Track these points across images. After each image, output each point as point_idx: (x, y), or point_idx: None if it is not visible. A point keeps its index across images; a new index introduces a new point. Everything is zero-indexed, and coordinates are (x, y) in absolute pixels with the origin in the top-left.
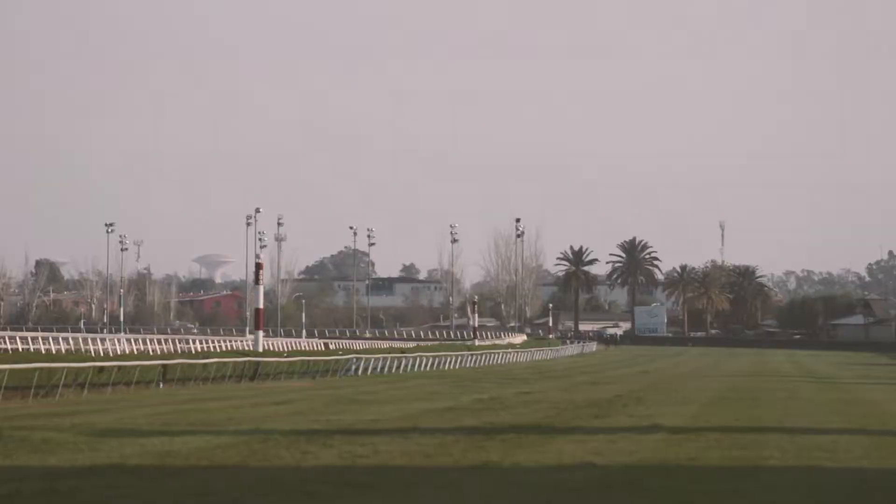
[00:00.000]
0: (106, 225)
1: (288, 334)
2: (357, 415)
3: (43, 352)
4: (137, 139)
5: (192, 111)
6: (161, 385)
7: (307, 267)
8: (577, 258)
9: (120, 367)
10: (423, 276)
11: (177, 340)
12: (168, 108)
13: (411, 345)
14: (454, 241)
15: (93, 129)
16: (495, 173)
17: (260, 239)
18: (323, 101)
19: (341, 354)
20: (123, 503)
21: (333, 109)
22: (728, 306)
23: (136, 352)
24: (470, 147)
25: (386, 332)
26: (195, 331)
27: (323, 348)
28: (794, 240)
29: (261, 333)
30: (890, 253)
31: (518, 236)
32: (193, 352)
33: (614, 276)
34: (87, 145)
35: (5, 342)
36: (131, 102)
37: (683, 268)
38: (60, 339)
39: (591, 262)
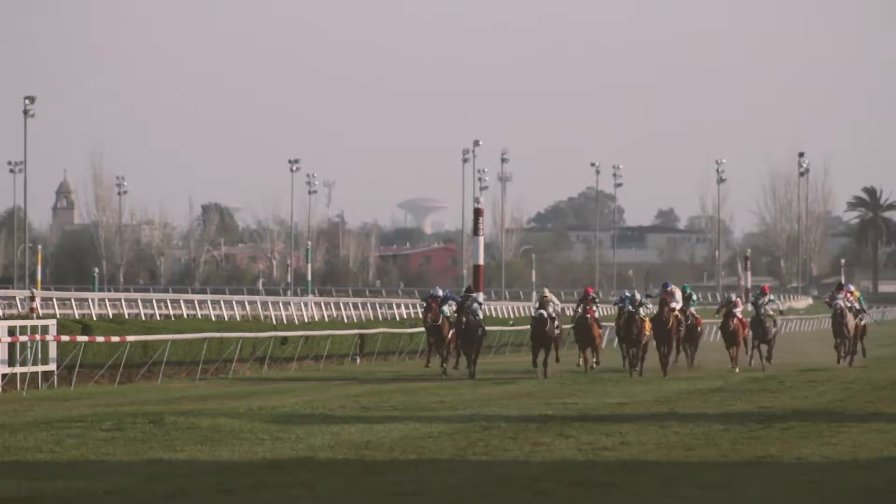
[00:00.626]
0: (290, 162)
1: (514, 296)
2: (599, 397)
3: (213, 319)
4: (329, 59)
5: (400, 26)
6: (358, 360)
7: (538, 213)
8: (875, 201)
9: (307, 338)
10: (682, 224)
11: (377, 305)
12: (368, 26)
13: None
14: (721, 180)
15: (272, 47)
16: (768, 97)
17: (480, 179)
18: (561, 18)
19: None
20: None
21: (572, 27)
22: None
23: (326, 319)
24: (740, 66)
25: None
26: (400, 292)
27: None
28: None
29: (481, 295)
30: None
31: (801, 175)
32: (398, 318)
33: None
34: (263, 66)
35: (166, 307)
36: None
37: None
38: (234, 304)
39: (894, 206)
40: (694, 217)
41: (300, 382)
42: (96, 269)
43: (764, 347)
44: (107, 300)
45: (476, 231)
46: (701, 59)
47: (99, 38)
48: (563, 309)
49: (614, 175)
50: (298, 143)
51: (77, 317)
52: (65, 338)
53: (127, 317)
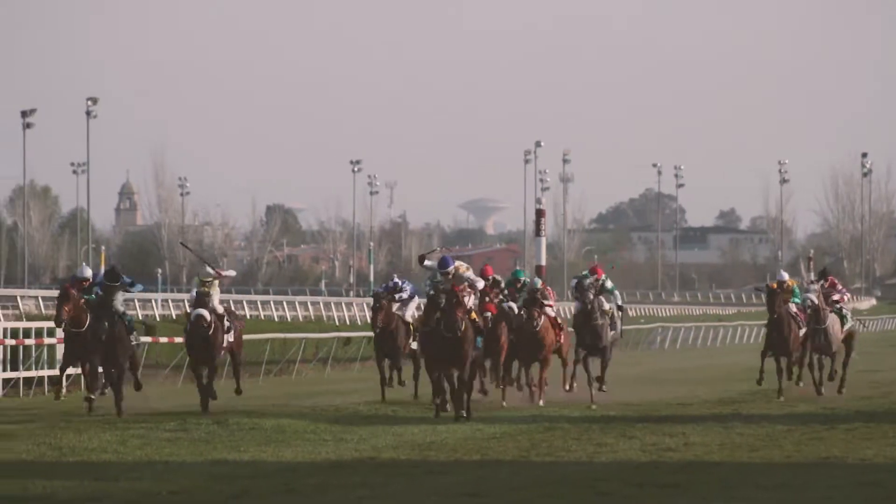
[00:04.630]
0: (351, 163)
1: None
2: (663, 397)
3: (276, 319)
4: (391, 60)
5: (462, 27)
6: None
7: (599, 214)
8: None
9: (370, 339)
10: (744, 224)
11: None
12: (430, 27)
13: (730, 311)
14: (784, 181)
15: (335, 49)
16: (831, 96)
17: (541, 180)
18: (624, 18)
19: (643, 323)
20: None
21: (635, 28)
22: None
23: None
24: (802, 66)
25: (699, 295)
26: None
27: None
28: None
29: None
30: None
31: (864, 175)
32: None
33: None
34: (325, 68)
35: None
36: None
37: None
38: (297, 304)
39: None
40: (756, 217)
41: (363, 383)
42: (159, 270)
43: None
44: (170, 301)
45: (538, 232)
46: (763, 59)
47: (160, 39)
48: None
49: (676, 175)
50: (360, 145)
51: (140, 317)
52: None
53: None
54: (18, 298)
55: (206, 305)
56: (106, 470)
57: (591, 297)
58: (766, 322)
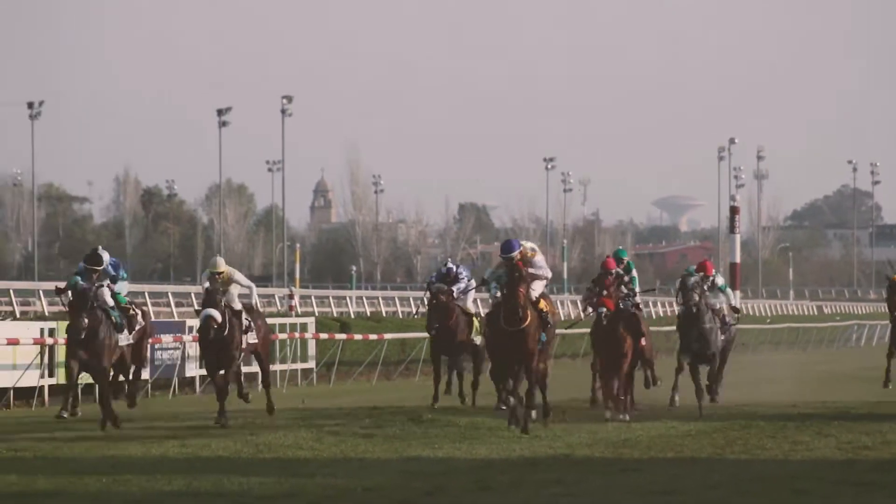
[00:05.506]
0: (545, 160)
1: (771, 294)
2: (860, 396)
3: None
4: (583, 58)
5: (656, 23)
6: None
7: (794, 211)
8: None
9: (563, 336)
10: None
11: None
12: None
13: None
14: None
15: (524, 48)
16: None
17: (735, 177)
18: (817, 15)
19: (839, 320)
20: (565, 502)
21: (828, 25)
22: None
23: (582, 317)
24: None
25: None
26: (657, 291)
27: (815, 312)
28: None
29: (738, 294)
30: None
31: None
32: (654, 317)
33: None
34: (516, 66)
35: (423, 304)
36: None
37: None
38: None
39: None
40: None
41: (552, 380)
42: (353, 268)
43: None
44: (364, 298)
45: (732, 229)
46: None
47: (356, 37)
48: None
49: (872, 172)
50: (554, 142)
51: (335, 315)
52: (323, 336)
53: (384, 315)
54: None
55: (216, 304)
56: (301, 466)
57: (696, 297)
58: (891, 320)
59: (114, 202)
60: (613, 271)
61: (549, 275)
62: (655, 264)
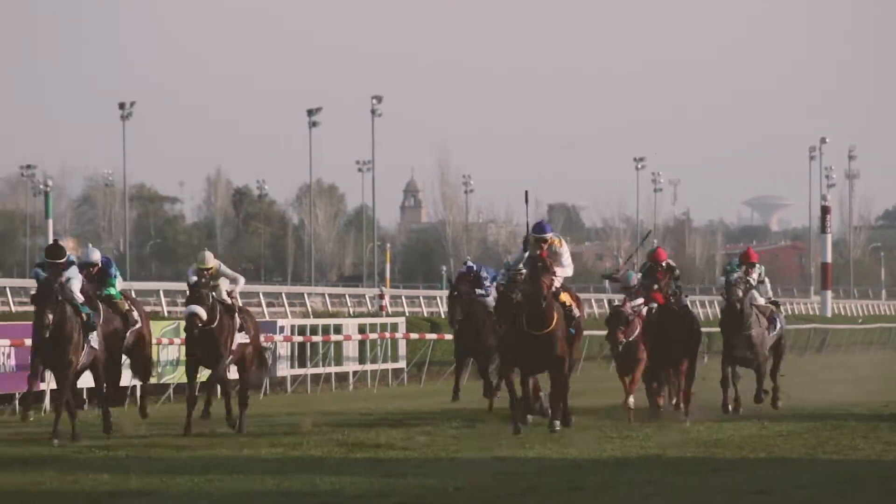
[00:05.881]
0: (635, 160)
1: (863, 294)
2: None
3: None
4: (674, 56)
5: (746, 21)
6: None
7: (886, 211)
8: None
9: None
10: None
11: (715, 302)
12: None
13: None
14: None
15: (617, 48)
16: None
17: (827, 176)
18: None
19: None
20: (656, 502)
21: None
22: None
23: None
24: None
25: None
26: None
27: None
28: None
29: (829, 294)
30: None
31: None
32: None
33: None
34: (606, 65)
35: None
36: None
37: None
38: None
39: None
40: None
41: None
42: (444, 268)
43: None
44: None
45: (823, 229)
46: None
47: (444, 37)
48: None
49: None
50: (644, 141)
51: (425, 315)
52: (414, 336)
53: None
54: (305, 296)
55: (202, 300)
56: (393, 466)
57: (741, 294)
58: None
59: (205, 202)
60: (664, 263)
61: (571, 272)
62: None
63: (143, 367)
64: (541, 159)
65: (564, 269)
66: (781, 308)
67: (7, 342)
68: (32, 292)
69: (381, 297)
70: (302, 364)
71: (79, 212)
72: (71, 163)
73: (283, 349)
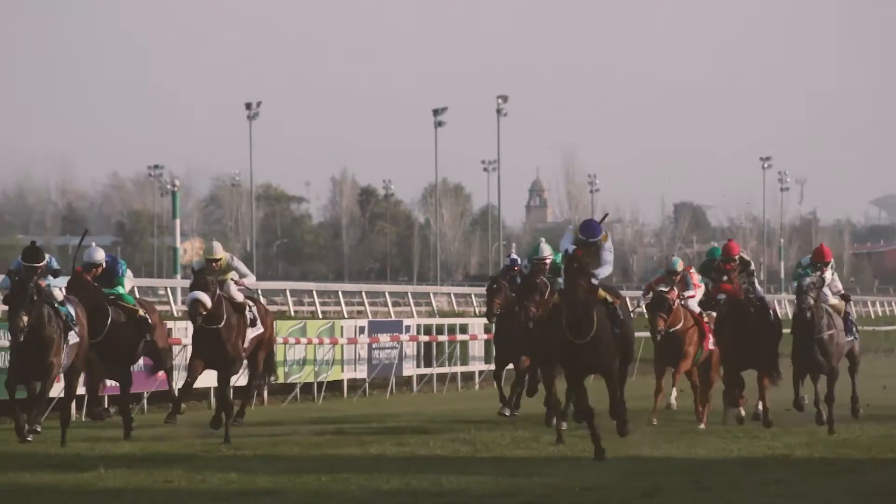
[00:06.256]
0: (761, 160)
1: None
2: None
3: None
4: (793, 54)
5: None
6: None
7: None
8: None
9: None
10: None
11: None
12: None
13: None
14: None
15: (746, 49)
16: None
17: None
18: None
19: None
20: (783, 503)
21: None
22: None
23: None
24: None
25: None
26: (875, 290)
27: None
28: None
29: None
30: None
31: None
32: (872, 316)
33: None
34: (737, 66)
35: (641, 305)
36: None
37: None
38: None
39: None
40: None
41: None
42: None
43: None
44: None
45: None
46: None
47: (570, 36)
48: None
49: None
50: (770, 141)
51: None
52: None
53: None
54: (431, 295)
55: (205, 287)
56: (519, 465)
57: (811, 300)
58: None
59: (330, 202)
60: (737, 256)
61: (610, 271)
62: (874, 264)
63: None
64: (667, 159)
65: (603, 269)
66: (852, 303)
67: None
68: (6, 293)
69: None
70: (428, 363)
71: (206, 212)
72: (197, 163)
73: (410, 349)
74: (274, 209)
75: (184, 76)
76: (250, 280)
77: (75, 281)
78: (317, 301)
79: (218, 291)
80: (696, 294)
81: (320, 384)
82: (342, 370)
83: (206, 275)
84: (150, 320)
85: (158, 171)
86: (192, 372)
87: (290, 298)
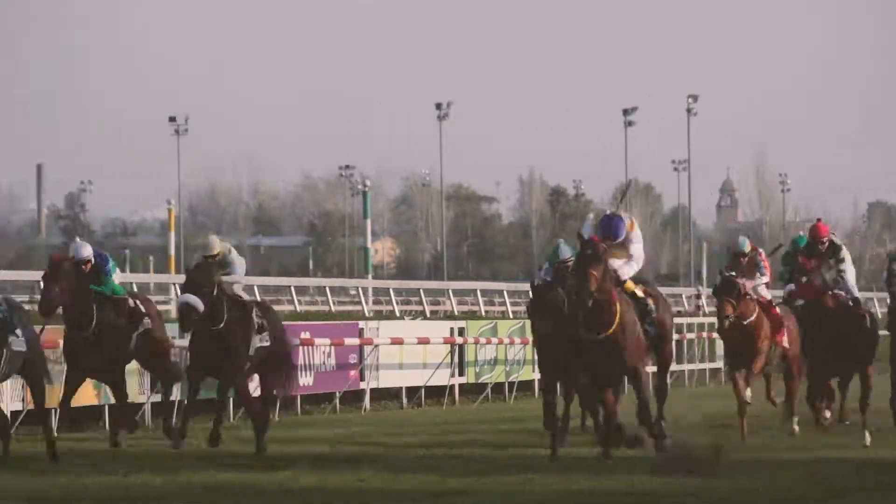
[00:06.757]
0: None
1: None
2: None
3: None
4: None
5: None
6: None
7: None
8: None
9: None
10: None
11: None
12: None
13: None
14: None
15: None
16: None
17: None
18: None
19: None
20: None
21: None
22: None
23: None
24: None
25: None
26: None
27: None
28: None
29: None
30: None
31: None
32: None
33: None
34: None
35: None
36: None
37: None
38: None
39: None
40: None
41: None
42: None
43: None
44: None
45: None
46: None
47: (760, 37)
48: None
49: None
50: None
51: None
52: None
53: None
54: None
55: (197, 289)
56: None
57: None
58: None
59: (519, 202)
60: (825, 239)
61: (639, 266)
62: None
63: (162, 372)
64: (860, 158)
65: (630, 264)
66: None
67: (327, 341)
68: None
69: (698, 296)
70: None
71: (397, 212)
72: (388, 163)
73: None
74: (464, 209)
75: (376, 78)
76: (239, 267)
77: (56, 268)
78: (507, 301)
79: (217, 290)
80: (767, 279)
81: (511, 384)
82: (533, 370)
83: (201, 274)
84: (142, 309)
85: (350, 171)
86: (196, 384)
87: (480, 298)
